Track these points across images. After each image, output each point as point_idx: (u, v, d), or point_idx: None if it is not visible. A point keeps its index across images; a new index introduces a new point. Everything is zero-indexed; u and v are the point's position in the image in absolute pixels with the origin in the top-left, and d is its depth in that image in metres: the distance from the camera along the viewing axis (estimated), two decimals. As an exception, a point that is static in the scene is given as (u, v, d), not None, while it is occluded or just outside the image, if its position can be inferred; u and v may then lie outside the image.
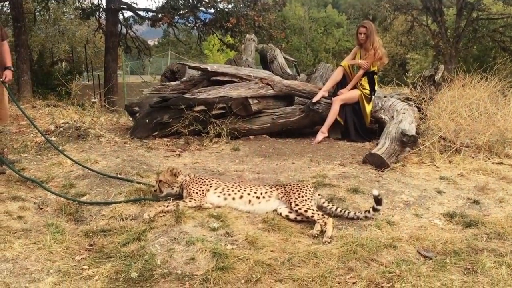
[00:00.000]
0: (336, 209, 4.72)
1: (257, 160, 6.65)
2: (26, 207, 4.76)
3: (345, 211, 4.69)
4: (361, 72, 8.05)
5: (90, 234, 4.28)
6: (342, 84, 8.21)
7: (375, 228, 4.49)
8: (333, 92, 8.25)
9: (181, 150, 7.20)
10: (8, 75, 5.96)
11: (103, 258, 3.82)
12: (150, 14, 21.42)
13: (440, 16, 27.91)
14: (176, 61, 30.07)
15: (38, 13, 24.36)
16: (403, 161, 6.63)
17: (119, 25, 21.66)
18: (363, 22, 8.28)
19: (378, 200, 4.56)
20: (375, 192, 4.58)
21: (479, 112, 7.98)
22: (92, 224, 4.52)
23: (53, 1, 21.24)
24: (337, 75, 8.24)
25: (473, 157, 6.97)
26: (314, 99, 7.99)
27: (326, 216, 4.50)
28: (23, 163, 6.18)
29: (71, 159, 6.05)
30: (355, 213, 4.67)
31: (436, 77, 9.57)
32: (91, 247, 4.06)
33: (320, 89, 8.28)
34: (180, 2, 20.30)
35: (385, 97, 8.51)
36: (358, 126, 8.13)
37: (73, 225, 4.51)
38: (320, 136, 7.84)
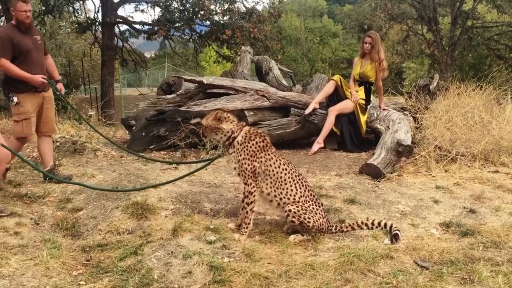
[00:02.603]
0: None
1: (253, 172, 6.65)
2: (23, 223, 4.75)
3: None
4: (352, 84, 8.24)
5: (87, 249, 4.27)
6: (334, 96, 8.29)
7: (371, 239, 4.50)
8: (327, 104, 8.31)
9: (177, 163, 7.21)
10: (62, 87, 6.34)
11: (100, 273, 3.81)
12: (146, 27, 21.50)
13: (435, 25, 28.03)
14: (173, 73, 30.16)
15: (34, 28, 24.42)
16: (399, 170, 6.65)
17: (115, 39, 21.74)
18: (369, 32, 8.38)
19: (395, 237, 4.51)
20: (387, 241, 4.47)
21: (474, 121, 8.01)
22: (88, 239, 4.51)
23: (49, 16, 21.27)
24: (329, 88, 8.34)
25: (468, 166, 7.00)
26: (307, 111, 8.07)
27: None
28: (19, 178, 6.18)
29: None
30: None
31: (431, 87, 9.60)
32: (88, 262, 4.04)
33: (315, 100, 8.35)
34: (176, 15, 20.36)
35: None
36: (354, 136, 8.18)
37: (69, 240, 4.50)
38: (316, 147, 7.88)
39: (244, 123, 4.72)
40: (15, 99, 5.78)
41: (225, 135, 4.60)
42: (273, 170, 4.55)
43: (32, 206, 5.30)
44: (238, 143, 4.58)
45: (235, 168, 4.65)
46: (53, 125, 6.33)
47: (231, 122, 4.60)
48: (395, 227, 4.58)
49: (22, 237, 4.49)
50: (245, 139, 4.58)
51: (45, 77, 5.93)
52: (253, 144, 4.56)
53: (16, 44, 5.69)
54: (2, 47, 5.65)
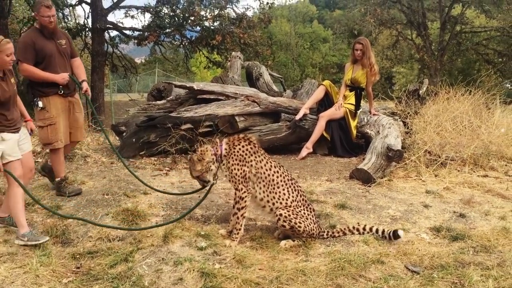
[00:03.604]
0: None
1: (244, 177, 6.65)
2: (12, 231, 4.71)
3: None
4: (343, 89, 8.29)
5: (77, 256, 4.23)
6: (324, 102, 8.33)
7: (362, 244, 4.50)
8: (317, 109, 8.34)
9: (168, 169, 7.19)
10: (87, 87, 5.96)
11: (90, 280, 3.78)
12: (136, 33, 21.45)
13: (424, 30, 28.22)
14: (163, 78, 30.08)
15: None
16: (390, 175, 6.68)
17: (105, 44, 21.67)
18: (359, 39, 8.39)
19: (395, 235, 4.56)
20: (401, 232, 4.53)
21: (463, 125, 8.07)
22: (79, 246, 4.48)
23: (38, 22, 21.22)
24: (318, 93, 8.38)
25: (458, 170, 7.04)
26: (297, 117, 8.09)
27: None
28: (9, 186, 6.13)
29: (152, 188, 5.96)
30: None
31: (420, 91, 9.66)
32: (78, 270, 4.01)
33: (305, 105, 8.37)
34: (166, 21, 20.34)
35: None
36: (345, 141, 8.20)
37: (59, 247, 4.46)
38: (304, 152, 7.90)
39: (218, 140, 4.78)
40: (40, 103, 5.62)
41: (214, 162, 4.64)
42: (264, 173, 4.55)
43: (21, 213, 5.25)
44: (224, 155, 4.61)
45: (226, 176, 4.66)
46: (82, 132, 6.10)
47: (207, 150, 4.65)
48: (388, 230, 4.59)
49: (11, 244, 4.45)
50: (229, 148, 4.62)
51: (68, 73, 5.71)
52: (239, 149, 4.57)
53: (39, 49, 5.55)
54: (24, 52, 5.55)
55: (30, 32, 5.80)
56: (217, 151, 4.63)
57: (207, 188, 4.86)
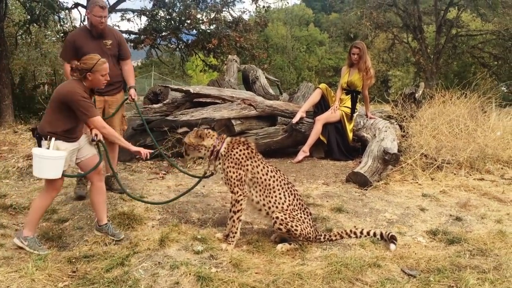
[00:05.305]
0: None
1: (241, 181, 6.63)
2: (8, 234, 4.70)
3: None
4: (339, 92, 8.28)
5: (73, 260, 4.21)
6: (320, 105, 8.34)
7: (359, 247, 4.50)
8: (314, 113, 8.34)
9: (164, 172, 7.18)
10: (134, 93, 6.09)
11: (86, 284, 3.77)
12: (133, 36, 21.41)
13: (420, 34, 28.26)
14: (159, 82, 30.06)
15: (19, 37, 24.29)
16: (386, 179, 6.68)
17: (102, 48, 21.59)
18: (356, 43, 8.39)
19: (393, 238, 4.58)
20: (392, 246, 4.49)
21: (459, 128, 8.08)
22: (75, 250, 4.46)
23: (34, 25, 21.18)
24: (315, 96, 8.40)
25: (454, 174, 7.05)
26: (294, 120, 8.09)
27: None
28: (4, 189, 6.12)
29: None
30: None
31: (416, 95, 9.68)
32: (74, 274, 3.99)
33: (302, 109, 8.38)
34: (162, 24, 20.31)
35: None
36: (341, 144, 8.20)
37: (55, 251, 4.45)
38: (301, 155, 7.90)
39: (225, 136, 4.75)
40: None
41: (208, 151, 4.66)
42: (261, 177, 4.54)
43: (17, 217, 5.25)
44: (222, 154, 4.60)
45: (222, 178, 4.66)
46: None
47: (211, 138, 4.67)
48: (387, 232, 4.60)
49: (7, 248, 4.44)
50: (227, 149, 4.61)
51: None
52: (236, 152, 4.57)
53: (79, 47, 5.55)
54: (64, 50, 5.60)
55: (76, 30, 5.81)
56: (217, 146, 4.64)
57: (195, 183, 4.96)
